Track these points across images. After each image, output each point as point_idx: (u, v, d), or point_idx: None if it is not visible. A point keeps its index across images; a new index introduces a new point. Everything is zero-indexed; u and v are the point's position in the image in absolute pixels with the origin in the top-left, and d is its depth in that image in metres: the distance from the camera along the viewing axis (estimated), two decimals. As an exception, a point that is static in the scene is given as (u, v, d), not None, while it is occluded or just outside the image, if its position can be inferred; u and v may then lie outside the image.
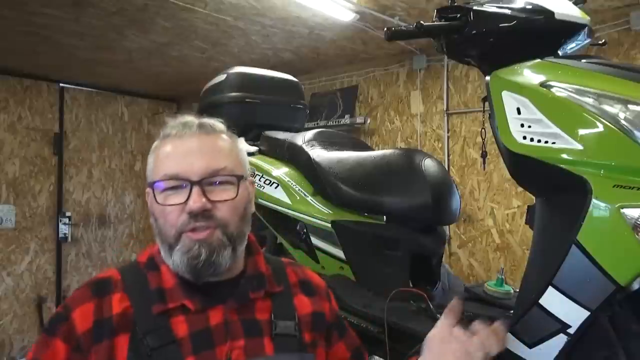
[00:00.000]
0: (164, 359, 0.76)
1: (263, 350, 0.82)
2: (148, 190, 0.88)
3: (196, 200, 0.79)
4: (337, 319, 1.00)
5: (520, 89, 1.08)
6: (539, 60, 1.10)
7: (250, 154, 1.79)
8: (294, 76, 2.09)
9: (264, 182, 1.75)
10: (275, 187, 1.74)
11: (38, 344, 0.78)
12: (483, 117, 1.32)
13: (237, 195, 0.84)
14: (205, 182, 0.81)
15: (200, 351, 0.78)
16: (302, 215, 1.68)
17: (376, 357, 1.39)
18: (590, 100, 1.00)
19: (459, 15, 1.14)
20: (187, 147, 0.84)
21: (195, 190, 0.80)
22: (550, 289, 1.01)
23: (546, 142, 1.04)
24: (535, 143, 1.05)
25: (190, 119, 0.88)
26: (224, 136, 0.89)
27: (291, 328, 0.87)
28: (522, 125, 1.07)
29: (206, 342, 0.79)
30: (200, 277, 0.82)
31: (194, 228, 0.80)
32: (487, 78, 1.16)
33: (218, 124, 0.90)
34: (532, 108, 1.06)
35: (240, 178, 0.86)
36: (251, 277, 0.89)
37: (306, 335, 0.89)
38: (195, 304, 0.81)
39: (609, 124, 0.97)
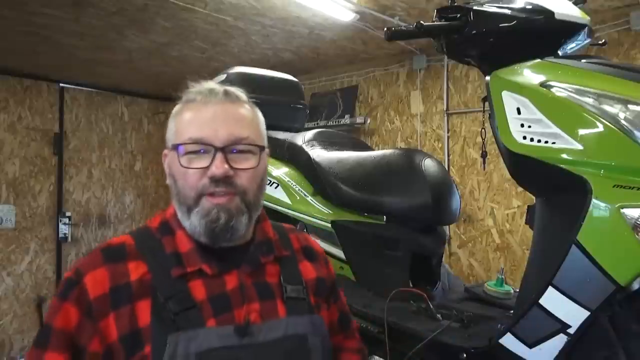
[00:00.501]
0: (187, 323, 0.77)
1: (277, 312, 0.86)
2: (167, 152, 0.89)
3: (219, 166, 0.81)
4: (334, 285, 1.04)
5: (520, 89, 1.08)
6: (539, 60, 1.10)
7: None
8: (294, 76, 2.09)
9: (264, 182, 1.75)
10: (275, 187, 1.75)
11: (52, 309, 0.79)
12: (483, 117, 1.32)
13: (258, 164, 0.86)
14: (228, 149, 0.83)
15: (220, 314, 0.81)
16: (302, 215, 1.68)
17: (376, 357, 1.39)
18: (590, 100, 1.00)
19: (459, 15, 1.14)
20: (213, 113, 0.85)
21: (219, 156, 0.82)
22: (550, 289, 1.01)
23: (546, 142, 1.04)
24: (535, 143, 1.05)
25: (215, 86, 0.89)
26: (247, 106, 0.91)
27: (300, 291, 0.91)
28: (522, 125, 1.07)
29: (225, 305, 0.82)
30: (217, 241, 0.84)
31: (213, 192, 0.82)
32: (487, 78, 1.16)
33: (242, 94, 0.91)
34: (532, 108, 1.06)
35: (262, 149, 0.88)
36: (261, 242, 0.92)
37: (312, 299, 0.93)
38: (212, 268, 0.83)
39: (609, 124, 0.97)
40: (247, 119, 0.88)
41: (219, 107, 0.86)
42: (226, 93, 0.88)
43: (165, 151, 0.91)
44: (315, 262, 1.00)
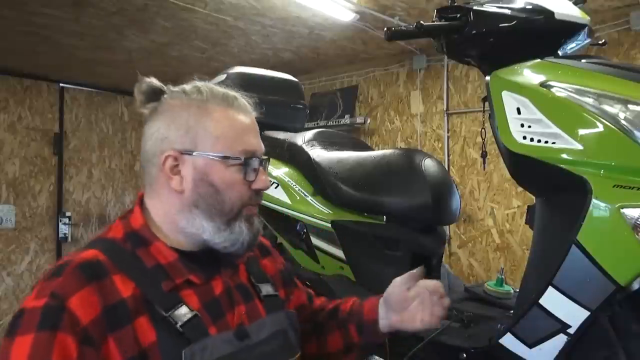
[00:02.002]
0: (195, 333, 0.76)
1: (259, 312, 0.88)
2: (176, 154, 0.81)
3: (265, 181, 0.85)
4: (288, 270, 1.08)
5: (520, 89, 1.08)
6: (539, 60, 1.10)
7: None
8: (294, 76, 2.09)
9: (264, 182, 1.75)
10: (275, 187, 1.74)
11: (34, 347, 0.64)
12: (483, 117, 1.32)
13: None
14: (264, 162, 0.87)
15: (217, 320, 0.80)
16: (302, 215, 1.68)
17: (376, 357, 1.39)
18: (590, 100, 1.00)
19: (459, 15, 1.14)
20: (251, 124, 0.87)
21: (262, 169, 0.86)
22: (550, 289, 1.01)
23: (546, 142, 1.04)
24: (535, 143, 1.05)
25: (220, 88, 0.88)
26: None
27: (271, 289, 0.94)
28: (522, 125, 1.07)
29: (218, 311, 0.82)
30: (250, 250, 0.88)
31: (255, 204, 0.86)
32: (487, 78, 1.16)
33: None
34: (532, 108, 1.06)
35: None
36: None
37: (280, 293, 0.97)
38: (199, 277, 0.82)
39: (609, 124, 0.97)
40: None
41: (249, 116, 0.87)
42: (236, 97, 0.88)
43: (173, 152, 0.81)
44: (269, 256, 1.03)
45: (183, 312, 0.76)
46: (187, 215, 0.82)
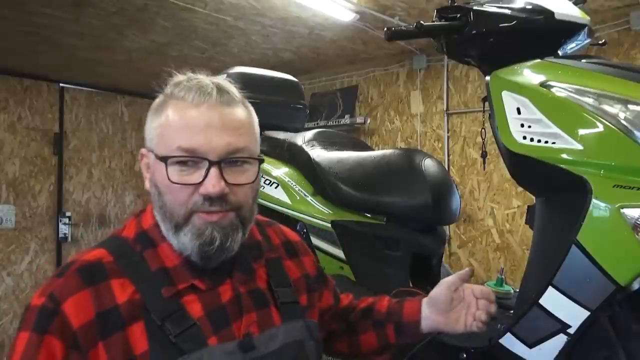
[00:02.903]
0: (189, 344, 0.71)
1: (272, 320, 0.81)
2: (146, 152, 0.80)
3: (215, 185, 0.72)
4: (319, 271, 1.01)
5: (520, 89, 1.08)
6: (539, 60, 1.10)
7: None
8: (294, 76, 2.09)
9: (264, 182, 1.75)
10: (275, 187, 1.74)
11: (27, 346, 0.67)
12: (483, 117, 1.32)
13: (255, 179, 0.78)
14: (224, 163, 0.74)
15: (220, 330, 0.75)
16: (302, 215, 1.68)
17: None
18: (590, 100, 1.00)
19: (459, 15, 1.14)
20: (207, 120, 0.74)
21: (214, 171, 0.72)
22: (550, 289, 1.01)
23: (546, 142, 1.04)
24: (535, 143, 1.05)
25: (206, 82, 0.77)
26: (243, 107, 0.80)
27: (290, 295, 0.86)
28: (522, 125, 1.07)
29: (223, 320, 0.76)
30: (211, 263, 0.76)
31: (208, 211, 0.74)
32: (487, 78, 1.16)
33: (234, 89, 0.81)
34: (532, 108, 1.06)
35: (261, 161, 0.80)
36: (249, 247, 0.85)
37: (302, 299, 0.89)
38: (205, 282, 0.77)
39: (609, 124, 0.97)
40: (244, 125, 0.78)
41: (213, 111, 0.75)
42: (219, 91, 0.77)
43: (144, 150, 0.80)
44: (297, 257, 0.96)
45: (179, 322, 0.72)
46: (158, 219, 0.79)
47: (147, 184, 0.80)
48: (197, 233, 0.74)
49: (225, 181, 0.74)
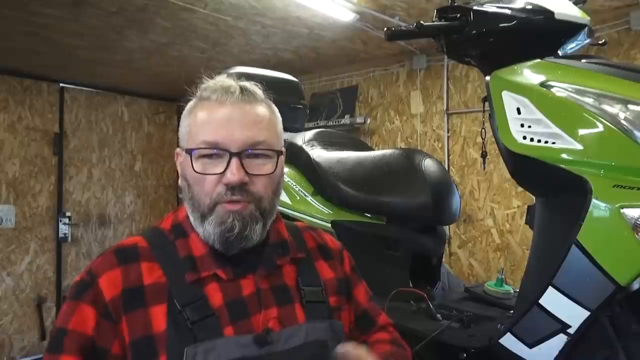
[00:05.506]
0: (205, 332, 0.75)
1: (295, 317, 0.83)
2: (180, 151, 0.87)
3: (235, 173, 0.78)
4: (354, 272, 1.01)
5: (521, 89, 1.08)
6: (539, 60, 1.10)
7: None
8: (294, 76, 2.09)
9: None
10: (275, 187, 1.74)
11: (64, 312, 0.76)
12: (483, 117, 1.32)
13: (275, 170, 0.83)
14: (244, 154, 0.80)
15: (237, 321, 0.78)
16: (302, 215, 1.68)
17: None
18: (590, 100, 1.00)
19: (459, 15, 1.15)
20: (228, 115, 0.81)
21: (234, 162, 0.79)
22: (550, 289, 1.01)
23: (546, 142, 1.04)
24: (535, 143, 1.05)
25: (231, 83, 0.85)
26: (265, 106, 0.87)
27: (319, 294, 0.88)
28: (522, 125, 1.07)
29: (242, 312, 0.79)
30: (231, 249, 0.81)
31: (230, 200, 0.79)
32: (487, 78, 1.16)
33: (259, 91, 0.88)
34: (532, 108, 1.06)
35: (279, 153, 0.85)
36: (275, 244, 0.89)
37: (331, 300, 0.90)
38: (227, 273, 0.81)
39: (609, 124, 0.97)
40: (264, 120, 0.84)
41: (235, 107, 0.82)
42: (242, 91, 0.84)
43: (178, 150, 0.88)
44: (331, 260, 0.96)
45: (199, 310, 0.76)
46: (188, 210, 0.85)
47: (180, 180, 0.87)
48: (219, 221, 0.80)
49: (246, 171, 0.79)
